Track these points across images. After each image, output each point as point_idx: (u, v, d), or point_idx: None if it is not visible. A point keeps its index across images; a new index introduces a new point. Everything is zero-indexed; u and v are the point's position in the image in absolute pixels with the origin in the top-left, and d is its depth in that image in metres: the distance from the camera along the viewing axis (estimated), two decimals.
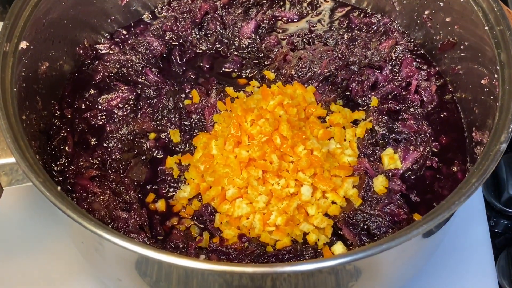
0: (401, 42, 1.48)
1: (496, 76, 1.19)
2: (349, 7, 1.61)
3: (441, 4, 1.38)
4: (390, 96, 1.40)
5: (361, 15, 1.58)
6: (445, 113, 1.39)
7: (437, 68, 1.46)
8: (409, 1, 1.49)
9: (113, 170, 1.29)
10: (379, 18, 1.56)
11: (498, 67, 1.19)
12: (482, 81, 1.25)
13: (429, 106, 1.39)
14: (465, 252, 1.41)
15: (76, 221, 0.96)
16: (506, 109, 1.12)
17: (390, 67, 1.43)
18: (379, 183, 1.23)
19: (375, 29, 1.53)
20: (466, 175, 1.09)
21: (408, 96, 1.39)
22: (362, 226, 1.18)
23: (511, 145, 1.16)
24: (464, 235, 1.44)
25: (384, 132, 1.32)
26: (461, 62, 1.38)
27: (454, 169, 1.30)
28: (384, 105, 1.37)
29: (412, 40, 1.51)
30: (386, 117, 1.33)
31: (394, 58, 1.45)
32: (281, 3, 1.61)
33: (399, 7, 1.52)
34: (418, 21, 1.47)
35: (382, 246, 0.92)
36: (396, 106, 1.37)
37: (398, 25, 1.53)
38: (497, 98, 1.16)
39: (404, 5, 1.51)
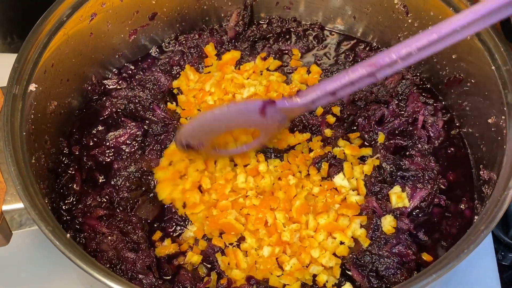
0: (407, 77, 1.48)
1: (503, 117, 1.19)
2: (355, 40, 1.61)
3: None
4: (397, 132, 1.39)
5: (367, 49, 1.58)
6: (452, 149, 1.38)
7: (443, 103, 1.45)
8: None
9: (121, 208, 1.29)
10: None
11: (505, 108, 1.19)
12: (489, 120, 1.25)
13: (436, 141, 1.39)
14: (473, 287, 1.40)
15: (85, 270, 0.96)
16: None
17: (397, 102, 1.42)
18: (387, 223, 1.23)
19: None
20: (475, 219, 1.08)
21: (415, 132, 1.38)
22: (370, 268, 1.18)
23: None
24: (471, 269, 1.42)
25: (391, 169, 1.31)
26: (467, 98, 1.37)
27: (462, 206, 1.29)
28: (391, 141, 1.36)
29: (418, 74, 1.50)
30: (393, 155, 1.33)
31: (400, 92, 1.45)
32: (287, 36, 1.61)
33: None
34: None
35: None
36: (403, 142, 1.37)
37: None
38: (505, 140, 1.16)
39: None
